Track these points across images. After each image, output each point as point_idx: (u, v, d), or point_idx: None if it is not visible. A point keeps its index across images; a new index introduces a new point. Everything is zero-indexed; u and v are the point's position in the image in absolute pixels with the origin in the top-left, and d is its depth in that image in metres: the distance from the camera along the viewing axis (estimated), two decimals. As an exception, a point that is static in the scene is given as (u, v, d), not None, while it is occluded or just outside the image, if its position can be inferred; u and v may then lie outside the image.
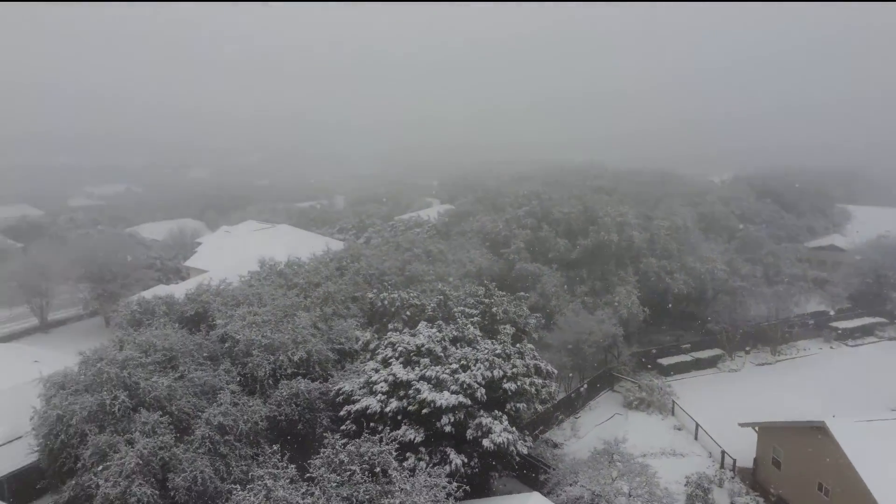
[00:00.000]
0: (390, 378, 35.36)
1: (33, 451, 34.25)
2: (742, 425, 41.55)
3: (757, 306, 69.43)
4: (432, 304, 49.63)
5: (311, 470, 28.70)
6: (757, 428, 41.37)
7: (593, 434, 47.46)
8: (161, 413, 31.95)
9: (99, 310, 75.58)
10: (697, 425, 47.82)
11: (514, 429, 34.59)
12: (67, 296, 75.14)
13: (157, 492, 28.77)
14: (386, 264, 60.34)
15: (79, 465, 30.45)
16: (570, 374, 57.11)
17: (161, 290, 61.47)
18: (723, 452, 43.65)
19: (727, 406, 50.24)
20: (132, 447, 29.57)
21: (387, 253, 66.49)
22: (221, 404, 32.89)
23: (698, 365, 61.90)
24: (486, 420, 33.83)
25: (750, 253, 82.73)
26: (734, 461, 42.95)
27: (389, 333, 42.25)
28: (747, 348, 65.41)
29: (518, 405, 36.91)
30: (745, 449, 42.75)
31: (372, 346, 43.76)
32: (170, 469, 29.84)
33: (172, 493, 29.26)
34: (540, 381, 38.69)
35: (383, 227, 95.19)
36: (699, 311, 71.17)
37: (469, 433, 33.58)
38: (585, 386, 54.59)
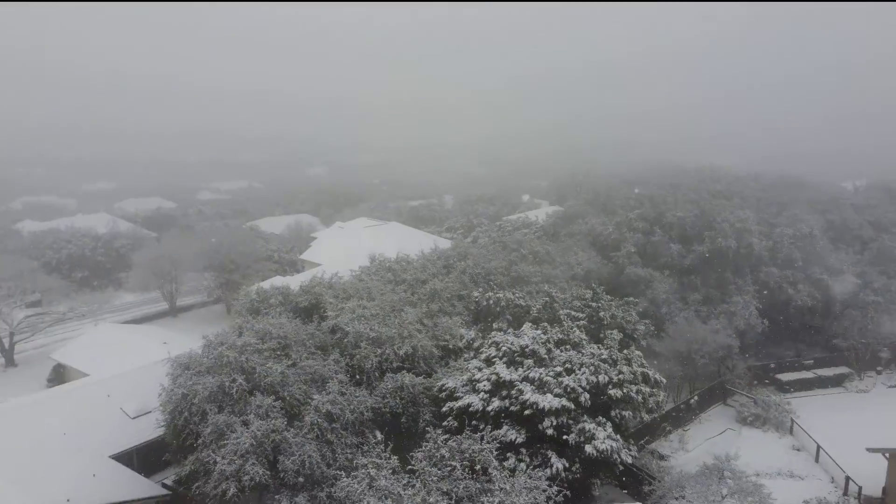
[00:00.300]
0: (493, 377, 35.41)
1: (160, 426, 36.86)
2: (871, 450, 38.53)
3: (892, 323, 64.04)
4: (538, 306, 49.23)
5: (412, 462, 29.22)
6: (888, 454, 38.22)
7: (702, 448, 45.52)
8: (274, 398, 33.52)
9: (221, 297, 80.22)
10: (819, 447, 44.76)
11: (618, 436, 33.74)
12: (194, 283, 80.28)
13: (268, 472, 30.23)
14: (492, 264, 60.40)
15: (199, 441, 32.47)
16: (680, 385, 54.98)
17: (278, 281, 64.48)
18: (847, 478, 40.63)
19: (853, 428, 46.64)
20: (247, 428, 31.21)
21: (493, 253, 66.53)
22: (330, 393, 34.08)
23: (821, 383, 57.97)
24: (589, 425, 33.18)
25: (885, 265, 76.39)
26: (859, 488, 39.89)
27: (493, 333, 42.32)
28: (879, 368, 60.54)
29: (623, 413, 35.97)
30: (872, 476, 39.61)
31: (476, 344, 43.97)
32: (280, 451, 31.25)
33: (282, 475, 30.64)
34: (647, 389, 37.52)
35: (491, 226, 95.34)
36: (824, 325, 66.52)
37: (571, 438, 33.06)
38: (696, 398, 52.41)
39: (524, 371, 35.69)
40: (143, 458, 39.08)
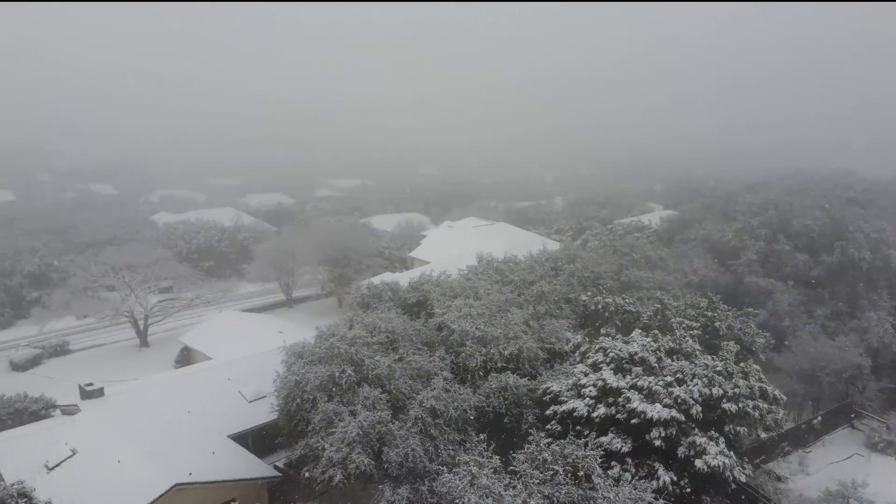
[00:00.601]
0: (599, 383, 34.64)
1: (274, 411, 38.65)
2: None
3: None
4: (648, 312, 47.73)
5: (514, 464, 29.08)
6: None
7: (826, 473, 42.48)
8: (381, 390, 34.35)
9: (334, 291, 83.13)
10: (962, 481, 40.68)
11: (731, 453, 32.09)
12: (309, 276, 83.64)
13: (372, 462, 31.03)
14: (602, 268, 59.16)
15: (309, 427, 33.78)
16: (802, 404, 51.59)
17: (388, 276, 66.10)
18: None
19: None
20: (354, 418, 32.16)
21: (604, 256, 65.17)
22: (434, 389, 34.51)
23: (967, 411, 52.62)
24: (700, 439, 31.76)
25: None
26: None
27: (601, 338, 41.38)
28: None
29: (738, 428, 34.18)
30: None
31: (582, 348, 43.18)
32: (385, 443, 31.99)
33: (386, 466, 31.36)
34: (765, 405, 35.47)
35: (601, 229, 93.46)
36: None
37: (680, 451, 31.77)
38: (819, 418, 48.98)
39: (632, 379, 34.67)
40: (257, 440, 41.13)
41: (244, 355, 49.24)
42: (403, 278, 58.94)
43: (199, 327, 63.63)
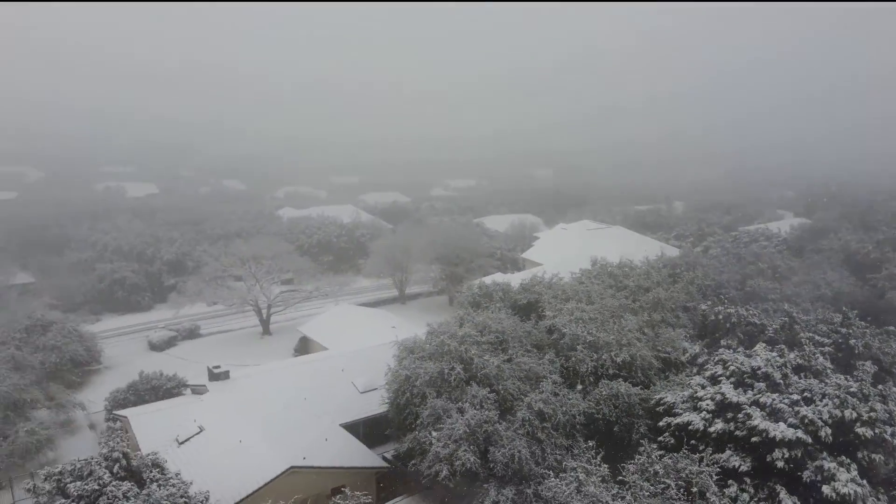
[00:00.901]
0: (718, 397, 33.00)
1: (384, 403, 39.68)
2: None
3: None
4: (774, 326, 44.96)
5: (623, 474, 28.30)
6: None
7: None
8: (489, 389, 34.40)
9: (445, 289, 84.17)
10: None
11: (864, 481, 29.61)
12: (422, 273, 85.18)
13: (478, 461, 31.12)
14: (724, 276, 56.41)
15: (418, 422, 34.38)
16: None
17: (499, 277, 66.13)
18: None
19: None
20: (462, 415, 32.40)
21: (726, 265, 62.14)
22: (543, 392, 34.15)
23: None
24: (829, 464, 29.53)
25: None
26: None
27: (721, 350, 39.44)
28: None
29: (873, 456, 31.47)
30: None
31: (700, 360, 41.34)
32: (491, 443, 32.00)
33: (491, 465, 31.35)
34: (906, 433, 32.45)
35: (724, 236, 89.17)
36: None
37: (806, 475, 29.67)
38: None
39: (754, 395, 32.77)
40: (367, 431, 42.30)
41: (358, 348, 50.88)
42: (515, 279, 58.74)
43: (317, 318, 66.33)
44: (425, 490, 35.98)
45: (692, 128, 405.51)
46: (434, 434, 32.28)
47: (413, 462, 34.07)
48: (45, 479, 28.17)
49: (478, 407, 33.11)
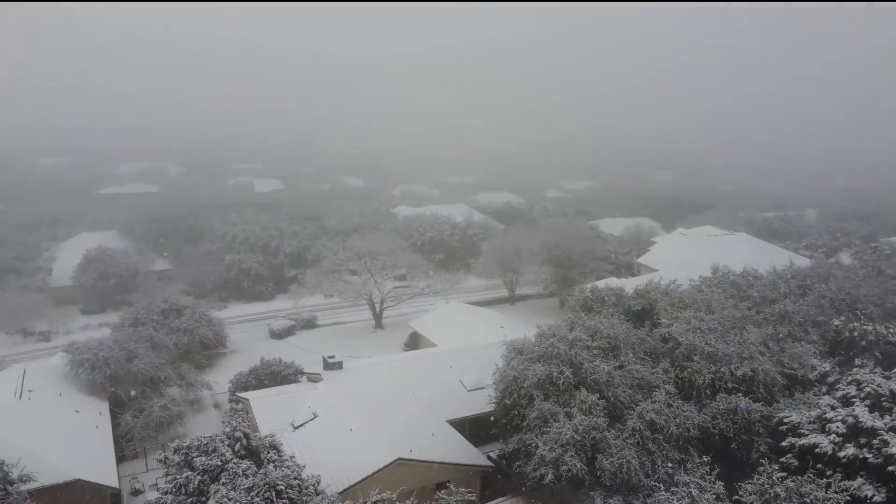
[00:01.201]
0: (850, 420, 30.61)
1: (490, 403, 39.71)
2: None
3: None
4: (919, 347, 41.17)
5: (739, 493, 26.85)
6: None
7: None
8: (598, 396, 33.64)
9: (556, 291, 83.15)
10: None
11: None
12: (532, 275, 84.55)
13: (585, 467, 30.51)
14: (861, 290, 52.24)
15: (524, 423, 34.17)
16: None
17: (612, 281, 64.46)
18: None
19: None
20: (569, 420, 31.90)
21: (864, 278, 57.51)
22: (656, 402, 33.02)
23: None
24: (979, 503, 26.71)
25: None
26: None
27: (855, 370, 36.60)
28: None
29: None
30: None
31: (830, 379, 38.52)
32: (599, 450, 31.28)
33: (598, 473, 30.65)
34: None
35: (863, 247, 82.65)
36: None
37: (952, 512, 26.99)
38: None
39: (892, 419, 30.14)
40: (473, 428, 42.53)
41: (466, 346, 51.25)
42: (629, 284, 57.11)
43: (427, 315, 67.40)
44: (529, 492, 35.71)
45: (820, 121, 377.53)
46: (540, 437, 31.98)
47: (518, 463, 33.90)
48: (175, 452, 30.32)
49: (586, 413, 32.48)
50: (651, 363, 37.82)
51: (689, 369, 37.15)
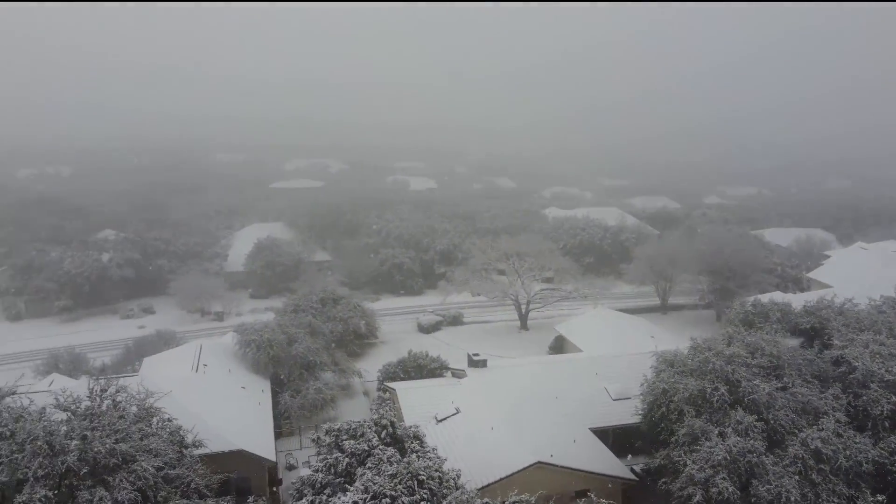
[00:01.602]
0: None
1: (636, 414, 38.38)
2: None
3: None
4: None
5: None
6: None
7: None
8: (756, 417, 31.43)
9: (713, 303, 78.69)
10: None
11: None
12: (687, 285, 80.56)
13: (737, 492, 28.60)
14: None
15: (672, 439, 32.70)
16: None
17: (777, 296, 59.75)
18: None
19: None
20: (723, 440, 30.03)
21: None
22: (823, 430, 30.26)
23: None
24: None
25: None
26: None
27: None
28: None
29: None
30: None
31: None
32: (754, 475, 29.20)
33: (752, 500, 28.58)
34: None
35: None
36: None
37: None
38: None
39: None
40: (617, 439, 41.24)
41: (613, 353, 49.90)
42: (796, 300, 52.76)
43: (574, 319, 66.30)
44: (674, 512, 34.09)
45: None
46: (690, 455, 30.41)
47: (664, 480, 32.46)
48: (327, 434, 32.10)
49: (742, 434, 30.46)
50: (819, 387, 34.74)
51: (865, 397, 33.64)
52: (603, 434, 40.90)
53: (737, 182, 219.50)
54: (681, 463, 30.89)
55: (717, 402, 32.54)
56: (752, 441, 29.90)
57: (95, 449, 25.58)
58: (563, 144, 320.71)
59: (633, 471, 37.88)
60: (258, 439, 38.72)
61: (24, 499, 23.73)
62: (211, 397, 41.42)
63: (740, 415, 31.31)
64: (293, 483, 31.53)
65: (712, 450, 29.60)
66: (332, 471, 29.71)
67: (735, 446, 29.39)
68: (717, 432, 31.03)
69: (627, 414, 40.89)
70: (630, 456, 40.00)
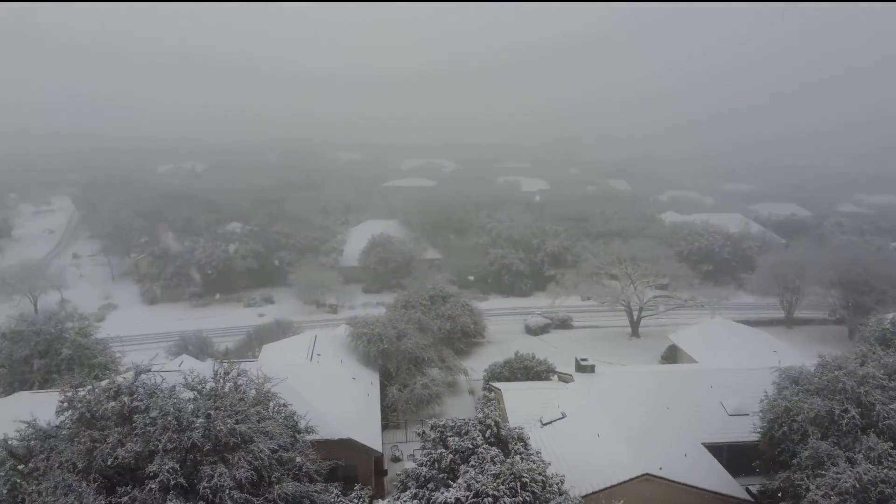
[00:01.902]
0: None
1: (755, 432, 36.29)
2: None
3: None
4: None
5: None
6: None
7: None
8: (892, 445, 28.90)
9: (845, 319, 73.26)
10: None
11: None
12: (816, 297, 75.33)
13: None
14: None
15: (794, 461, 30.72)
16: None
17: (920, 314, 54.86)
18: None
19: None
20: (852, 467, 27.87)
21: None
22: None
23: None
24: None
25: None
26: None
27: None
28: None
29: None
30: None
31: None
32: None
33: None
34: None
35: None
36: None
37: None
38: None
39: None
40: (732, 457, 39.15)
41: (730, 366, 47.50)
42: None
43: (689, 329, 63.61)
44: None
45: None
46: (813, 479, 28.42)
47: (783, 504, 30.57)
48: (432, 429, 32.55)
49: (874, 462, 28.13)
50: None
51: None
52: (717, 450, 38.95)
53: (877, 190, 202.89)
54: (803, 487, 28.93)
55: (846, 425, 30.24)
56: (886, 470, 27.51)
57: (218, 428, 27.18)
58: (686, 150, 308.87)
59: (748, 491, 35.85)
60: (366, 430, 39.82)
61: (154, 468, 25.61)
62: (323, 386, 43.03)
63: (873, 440, 28.94)
64: (398, 475, 32.18)
65: (839, 476, 27.50)
66: (436, 466, 30.08)
67: (866, 474, 27.17)
68: (845, 458, 28.84)
69: (744, 431, 38.74)
70: (745, 476, 37.93)
